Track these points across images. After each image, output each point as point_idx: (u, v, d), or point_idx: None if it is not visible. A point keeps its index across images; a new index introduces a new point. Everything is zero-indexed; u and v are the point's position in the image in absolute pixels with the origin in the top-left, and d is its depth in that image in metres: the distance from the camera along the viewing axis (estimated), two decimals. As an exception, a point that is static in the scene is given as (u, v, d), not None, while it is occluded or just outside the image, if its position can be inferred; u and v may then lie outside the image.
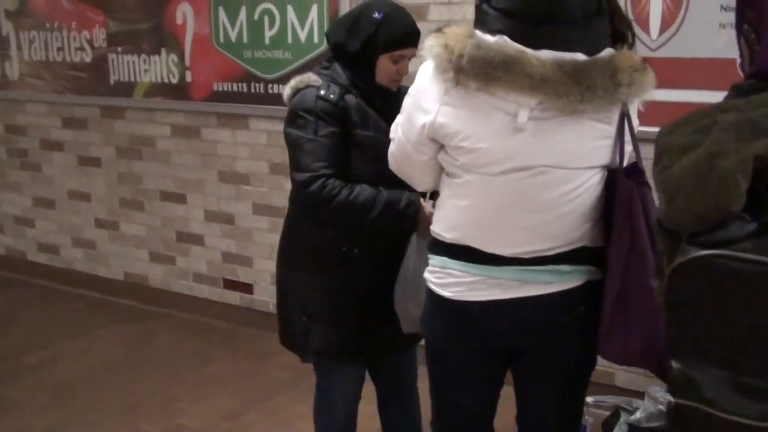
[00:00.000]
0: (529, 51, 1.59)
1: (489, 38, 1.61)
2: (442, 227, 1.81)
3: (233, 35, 3.98)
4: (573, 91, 1.59)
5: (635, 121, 1.74)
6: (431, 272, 1.83)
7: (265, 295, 4.21)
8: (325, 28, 3.63)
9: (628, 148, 1.74)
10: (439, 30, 1.68)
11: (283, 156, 4.10)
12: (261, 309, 4.24)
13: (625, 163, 1.75)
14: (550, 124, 1.64)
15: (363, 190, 2.11)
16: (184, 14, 4.12)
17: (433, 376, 1.94)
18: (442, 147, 1.76)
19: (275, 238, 2.48)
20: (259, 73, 3.94)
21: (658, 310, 1.27)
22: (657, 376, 1.74)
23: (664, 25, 2.89)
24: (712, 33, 2.81)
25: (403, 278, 2.17)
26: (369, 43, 2.14)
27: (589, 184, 1.71)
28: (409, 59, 2.20)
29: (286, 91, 2.24)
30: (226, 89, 4.07)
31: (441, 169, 1.82)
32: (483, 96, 1.63)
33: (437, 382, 1.94)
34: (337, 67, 2.21)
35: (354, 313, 2.25)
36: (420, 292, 1.93)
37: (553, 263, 1.72)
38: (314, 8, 3.70)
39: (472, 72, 1.60)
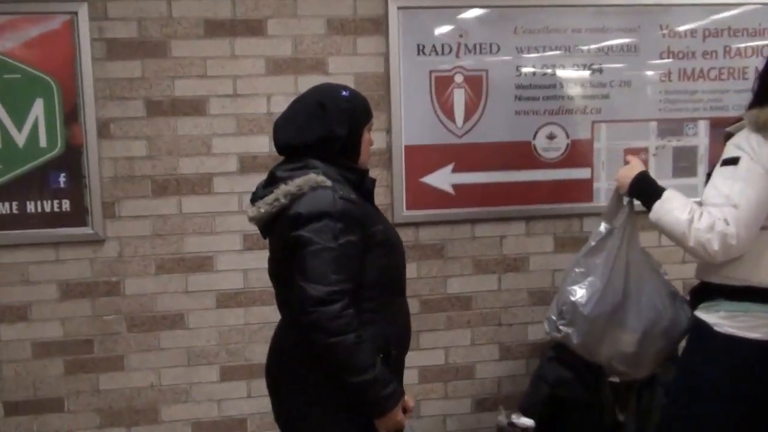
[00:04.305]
0: None
1: None
2: (751, 272, 2.10)
3: None
4: None
5: None
6: (726, 318, 2.13)
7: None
8: (59, 126, 2.98)
9: None
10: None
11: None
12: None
13: None
14: None
15: (366, 348, 1.89)
16: None
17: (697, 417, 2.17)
18: None
19: None
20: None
21: None
22: None
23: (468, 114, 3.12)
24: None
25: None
26: (353, 121, 2.06)
27: None
28: None
29: (278, 197, 1.97)
30: None
31: None
32: None
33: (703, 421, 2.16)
34: (320, 165, 2.02)
35: None
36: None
37: None
38: (38, 103, 3.00)
39: None
